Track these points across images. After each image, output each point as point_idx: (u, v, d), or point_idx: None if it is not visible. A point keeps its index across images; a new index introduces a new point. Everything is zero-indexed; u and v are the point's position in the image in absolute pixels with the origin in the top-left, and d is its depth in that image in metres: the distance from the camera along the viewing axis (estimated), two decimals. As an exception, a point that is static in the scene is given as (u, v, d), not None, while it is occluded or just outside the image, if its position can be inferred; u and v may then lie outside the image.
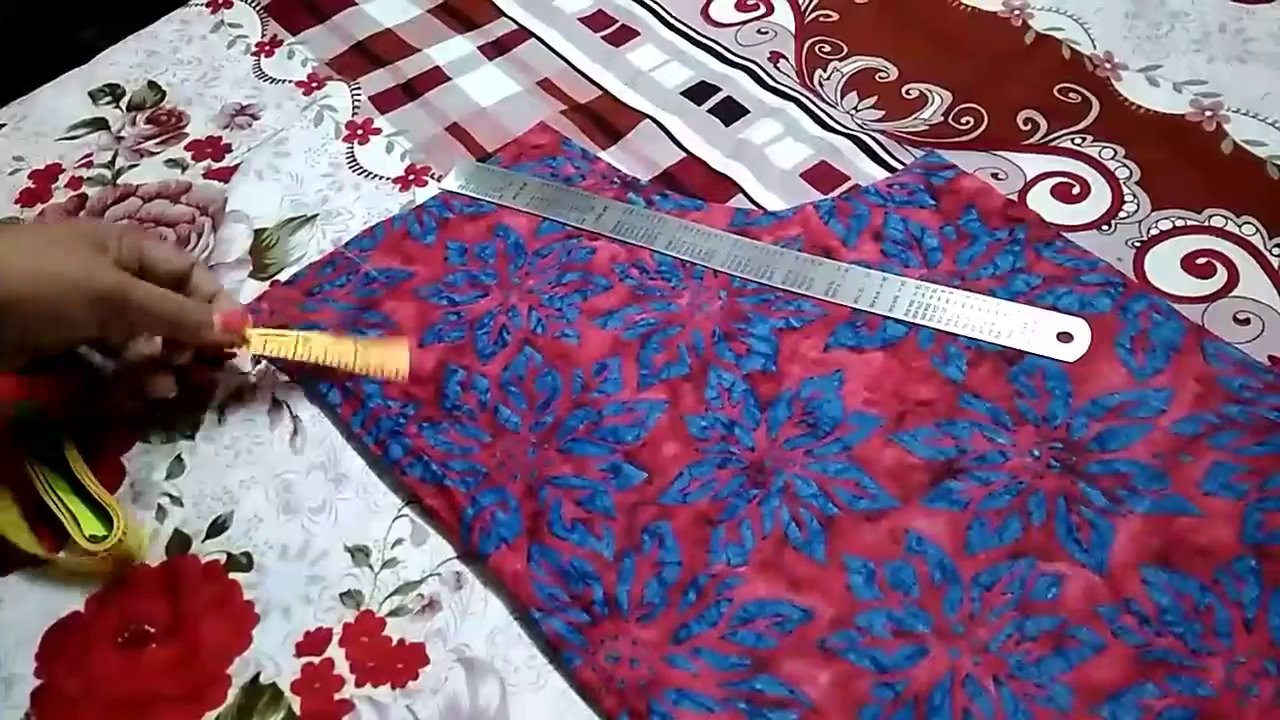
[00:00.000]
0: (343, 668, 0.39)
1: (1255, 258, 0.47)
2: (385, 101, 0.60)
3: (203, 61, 0.64)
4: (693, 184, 0.54)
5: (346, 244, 0.52)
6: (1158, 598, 0.36)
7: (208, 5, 0.68)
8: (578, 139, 0.57)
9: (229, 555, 0.42)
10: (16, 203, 0.57)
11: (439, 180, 0.55)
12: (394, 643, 0.39)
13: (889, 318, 0.45)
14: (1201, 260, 0.47)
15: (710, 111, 0.58)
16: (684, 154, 0.55)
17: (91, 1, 0.78)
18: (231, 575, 0.41)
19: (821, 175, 0.53)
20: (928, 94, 0.57)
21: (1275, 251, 0.47)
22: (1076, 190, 0.51)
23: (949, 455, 0.41)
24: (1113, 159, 0.52)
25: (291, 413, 0.46)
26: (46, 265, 0.38)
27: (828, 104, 0.57)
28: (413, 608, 0.40)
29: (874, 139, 0.54)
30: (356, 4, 0.67)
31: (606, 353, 0.46)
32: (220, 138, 0.59)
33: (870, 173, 0.53)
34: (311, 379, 0.47)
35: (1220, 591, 0.36)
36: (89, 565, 0.41)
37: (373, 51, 0.64)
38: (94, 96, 0.63)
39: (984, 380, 0.43)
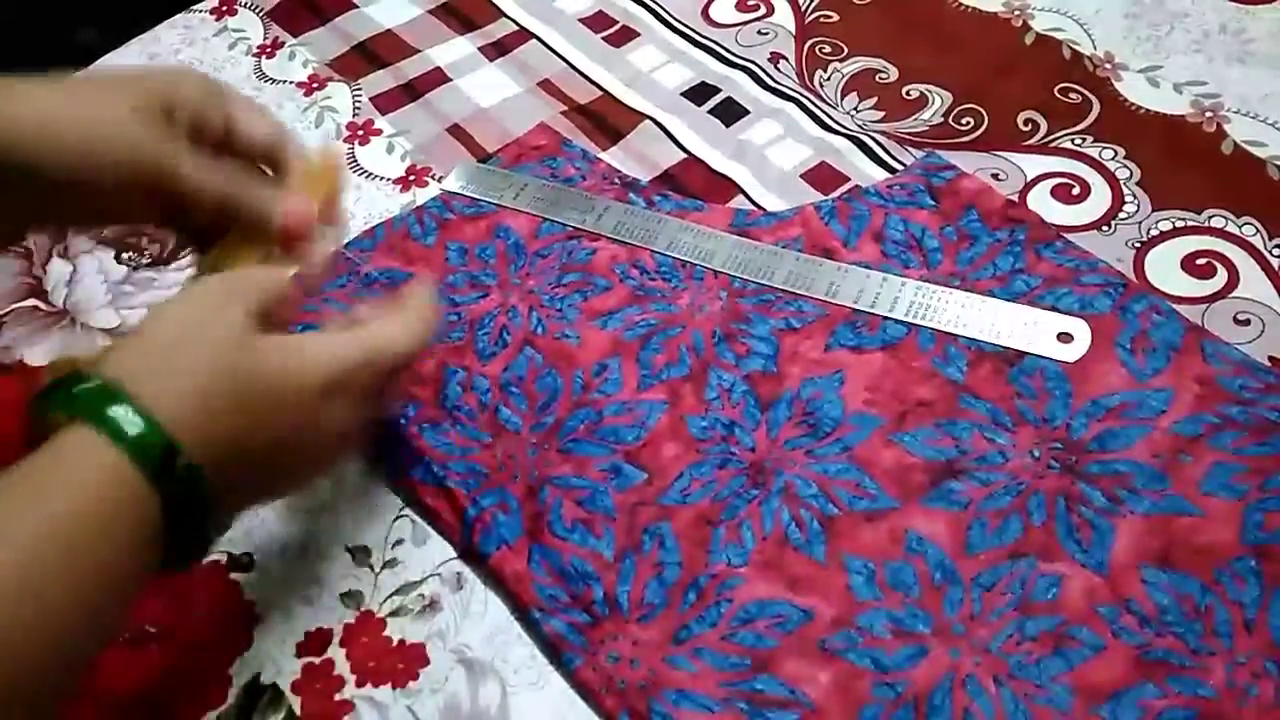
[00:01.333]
0: (343, 668, 0.39)
1: (1255, 258, 0.47)
2: (386, 102, 0.60)
3: (204, 62, 0.64)
4: (693, 185, 0.54)
5: (347, 244, 0.52)
6: (1158, 598, 0.36)
7: (211, 12, 0.68)
8: (578, 140, 0.57)
9: (230, 556, 0.42)
10: (17, 203, 0.57)
11: (439, 181, 0.55)
12: (394, 643, 0.39)
13: (889, 318, 0.45)
14: (1201, 261, 0.47)
15: (710, 112, 0.58)
16: (684, 155, 0.56)
17: (91, 2, 0.78)
18: (232, 575, 0.41)
19: (821, 176, 0.53)
20: (928, 94, 0.57)
21: (1275, 252, 0.47)
22: (1076, 191, 0.51)
23: (949, 455, 0.41)
24: (1113, 159, 0.52)
25: (292, 413, 0.46)
26: (86, 131, 0.33)
27: (828, 105, 0.57)
28: (413, 608, 0.40)
29: (874, 140, 0.54)
30: (357, 5, 0.67)
31: (606, 353, 0.46)
32: (221, 138, 0.59)
33: (870, 173, 0.53)
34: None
35: (1220, 592, 0.36)
36: None
37: (373, 52, 0.64)
38: (95, 97, 0.63)
39: (984, 381, 0.43)
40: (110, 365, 0.30)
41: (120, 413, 0.28)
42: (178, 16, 0.68)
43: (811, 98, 0.58)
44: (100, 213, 0.38)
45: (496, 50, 0.63)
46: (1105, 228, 0.49)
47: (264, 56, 0.65)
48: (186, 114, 0.36)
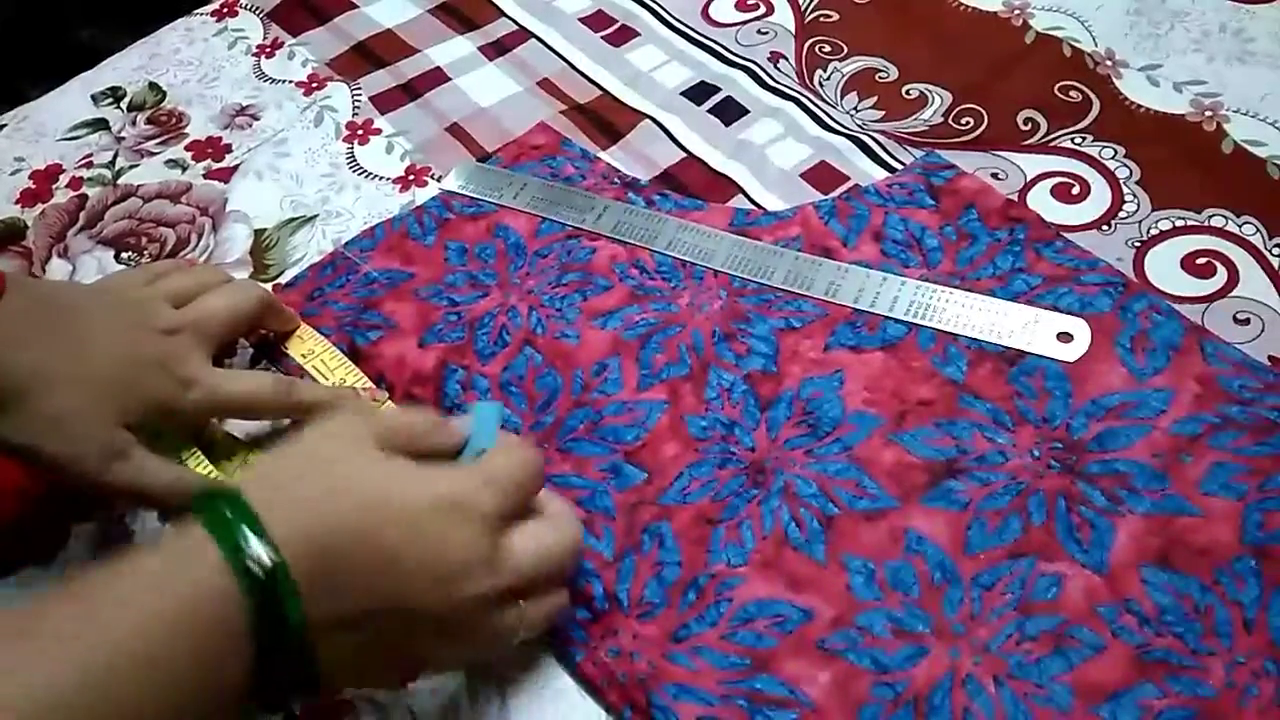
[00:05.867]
0: (343, 668, 0.39)
1: (1255, 257, 0.47)
2: (385, 102, 0.60)
3: (203, 62, 0.64)
4: (693, 184, 0.54)
5: (346, 244, 0.52)
6: (1158, 598, 0.36)
7: (212, 14, 0.68)
8: (578, 139, 0.57)
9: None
10: (16, 203, 0.57)
11: (439, 180, 0.55)
12: (394, 643, 0.39)
13: (889, 318, 0.45)
14: (1201, 260, 0.47)
15: (710, 111, 0.58)
16: (684, 154, 0.55)
17: (91, 1, 0.78)
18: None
19: (821, 175, 0.53)
20: (928, 94, 0.57)
21: (1275, 251, 0.47)
22: (1076, 190, 0.51)
23: (949, 455, 0.41)
24: (1113, 159, 0.52)
25: (292, 413, 0.46)
26: (52, 442, 0.37)
27: (828, 104, 0.57)
28: (413, 608, 0.40)
29: (874, 139, 0.54)
30: (357, 5, 0.67)
31: (606, 353, 0.46)
32: (220, 138, 0.59)
33: (870, 173, 0.53)
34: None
35: (1220, 591, 0.36)
36: None
37: (373, 52, 0.64)
38: (95, 99, 0.63)
39: (984, 380, 0.43)
40: (251, 487, 0.29)
41: (252, 545, 0.27)
42: (179, 20, 0.68)
43: (811, 97, 0.58)
44: None
45: (496, 50, 0.63)
46: (1105, 227, 0.49)
47: (263, 56, 0.65)
48: (152, 415, 0.39)
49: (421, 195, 0.55)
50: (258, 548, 0.27)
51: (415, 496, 0.31)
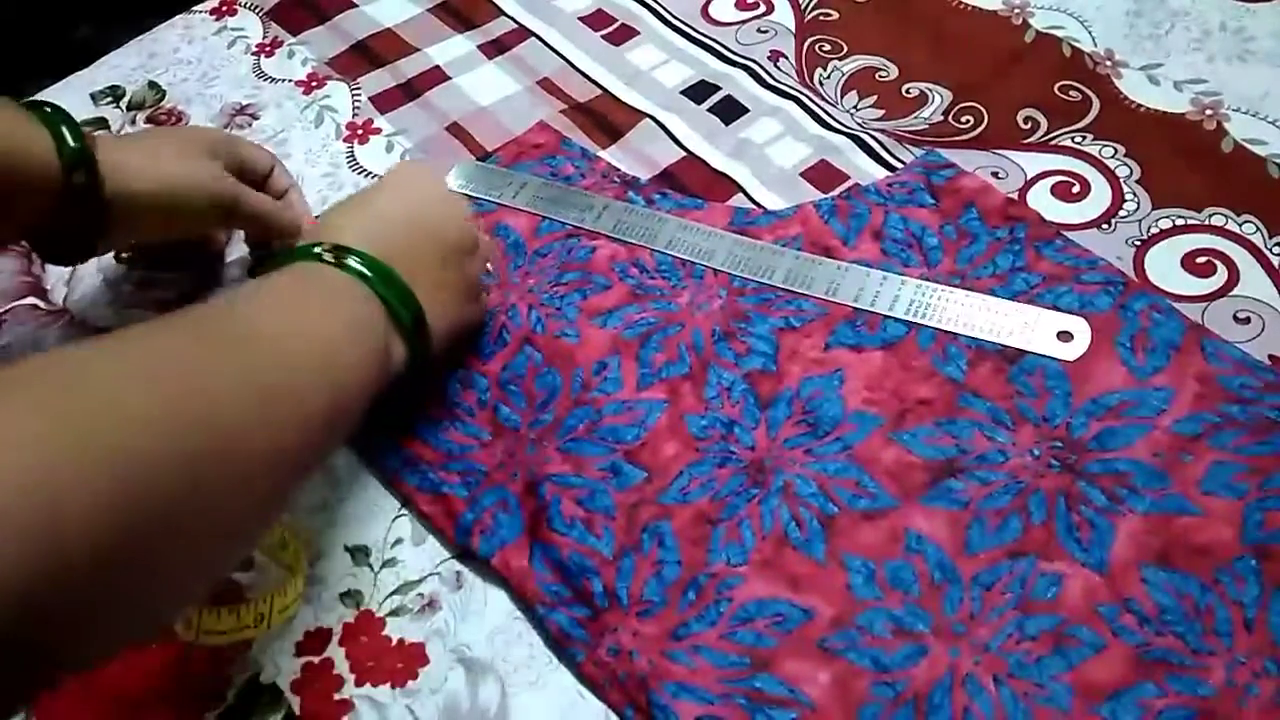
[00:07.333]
0: (342, 667, 0.39)
1: (1255, 256, 0.47)
2: (385, 101, 0.60)
3: (202, 61, 0.64)
4: (692, 183, 0.54)
5: (346, 243, 0.52)
6: (1158, 597, 0.36)
7: (211, 13, 0.68)
8: (577, 138, 0.57)
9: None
10: (16, 203, 0.57)
11: (439, 180, 0.55)
12: (393, 642, 0.39)
13: (889, 317, 0.45)
14: (1201, 259, 0.47)
15: (710, 110, 0.57)
16: (684, 153, 0.55)
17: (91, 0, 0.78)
18: (232, 575, 0.41)
19: (821, 174, 0.53)
20: (928, 93, 0.57)
21: (1275, 250, 0.47)
22: (1076, 189, 0.51)
23: (949, 454, 0.41)
24: (1113, 157, 0.52)
25: (291, 412, 0.46)
26: (173, 169, 0.45)
27: (828, 103, 0.57)
28: (412, 607, 0.40)
29: (874, 138, 0.54)
30: (357, 5, 0.67)
31: (606, 352, 0.46)
32: (220, 137, 0.59)
33: (870, 172, 0.53)
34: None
35: (1220, 591, 0.36)
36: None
37: (373, 51, 0.64)
38: (95, 98, 0.63)
39: (984, 379, 0.43)
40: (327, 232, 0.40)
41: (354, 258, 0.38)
42: (178, 18, 0.68)
43: (811, 96, 0.57)
44: (184, 226, 0.50)
45: (495, 49, 0.63)
46: (1105, 226, 0.49)
47: (263, 55, 0.64)
48: (234, 162, 0.48)
49: (421, 194, 0.55)
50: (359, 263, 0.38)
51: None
